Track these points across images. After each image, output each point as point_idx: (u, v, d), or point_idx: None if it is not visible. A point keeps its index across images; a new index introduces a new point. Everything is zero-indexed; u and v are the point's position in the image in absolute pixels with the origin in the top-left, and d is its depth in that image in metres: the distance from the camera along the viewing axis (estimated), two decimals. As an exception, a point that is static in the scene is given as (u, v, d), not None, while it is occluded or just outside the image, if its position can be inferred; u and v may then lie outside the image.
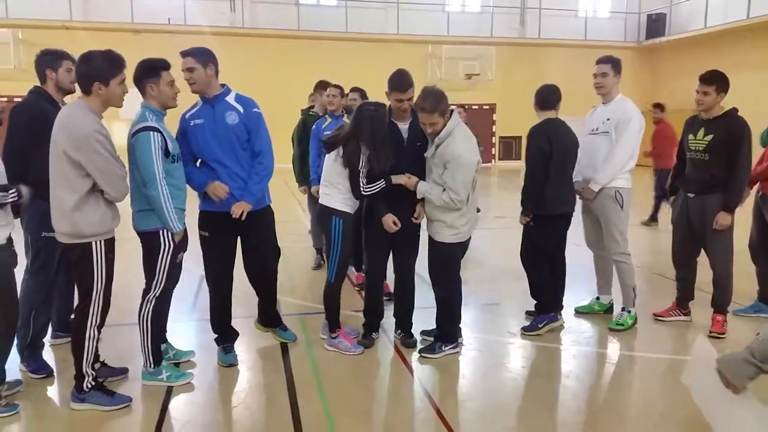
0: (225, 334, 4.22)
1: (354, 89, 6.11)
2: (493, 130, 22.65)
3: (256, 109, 3.94)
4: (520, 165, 19.23)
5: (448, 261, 4.22)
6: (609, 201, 4.76)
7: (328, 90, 6.16)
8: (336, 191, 4.14)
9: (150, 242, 3.60)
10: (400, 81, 4.11)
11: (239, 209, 3.79)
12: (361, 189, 4.06)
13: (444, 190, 3.99)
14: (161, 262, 3.60)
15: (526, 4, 22.01)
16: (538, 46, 21.81)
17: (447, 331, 4.30)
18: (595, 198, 4.79)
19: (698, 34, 19.68)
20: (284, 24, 19.74)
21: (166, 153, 3.53)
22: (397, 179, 4.10)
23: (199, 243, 4.06)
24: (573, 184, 4.72)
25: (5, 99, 16.55)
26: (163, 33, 18.71)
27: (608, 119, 4.77)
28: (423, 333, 4.56)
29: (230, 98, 3.92)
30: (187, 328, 4.88)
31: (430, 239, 4.22)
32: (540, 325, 4.71)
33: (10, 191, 3.23)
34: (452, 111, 4.03)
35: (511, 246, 7.88)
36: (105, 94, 3.29)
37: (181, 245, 3.72)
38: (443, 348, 4.25)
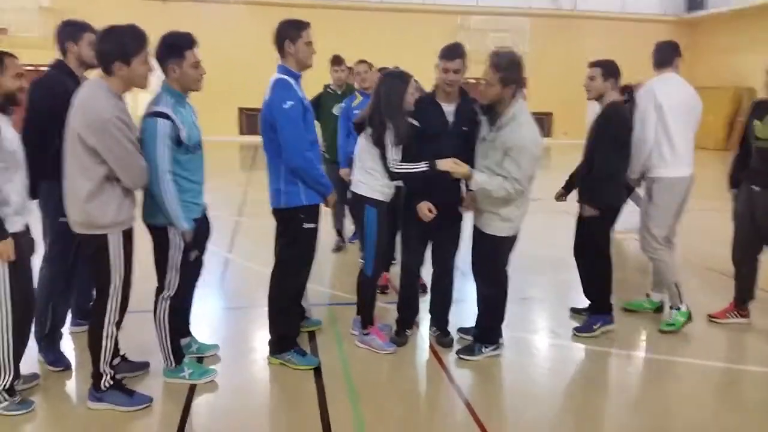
0: (297, 334, 3.97)
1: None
2: (524, 105, 22.03)
3: None
4: (551, 142, 18.66)
5: (497, 255, 3.86)
6: (645, 192, 4.51)
7: (356, 66, 5.88)
8: (370, 177, 3.79)
9: (159, 238, 3.32)
10: (448, 48, 3.78)
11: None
12: (390, 166, 3.68)
13: (505, 179, 3.57)
14: (172, 261, 3.33)
15: (562, -26, 21.16)
16: (573, 18, 20.98)
17: (488, 331, 4.00)
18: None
19: (744, 6, 18.70)
20: (312, -7, 19.24)
21: (179, 142, 3.21)
22: (444, 165, 3.63)
23: (300, 237, 3.69)
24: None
25: (30, 67, 16.43)
26: (191, 1, 18.39)
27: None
28: (460, 330, 4.27)
29: None
30: (211, 317, 4.63)
31: (477, 230, 3.88)
32: (595, 326, 4.37)
33: None
34: (520, 91, 3.62)
35: (546, 232, 7.56)
36: (126, 74, 2.99)
37: (195, 242, 3.40)
38: (483, 350, 3.95)
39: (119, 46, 2.96)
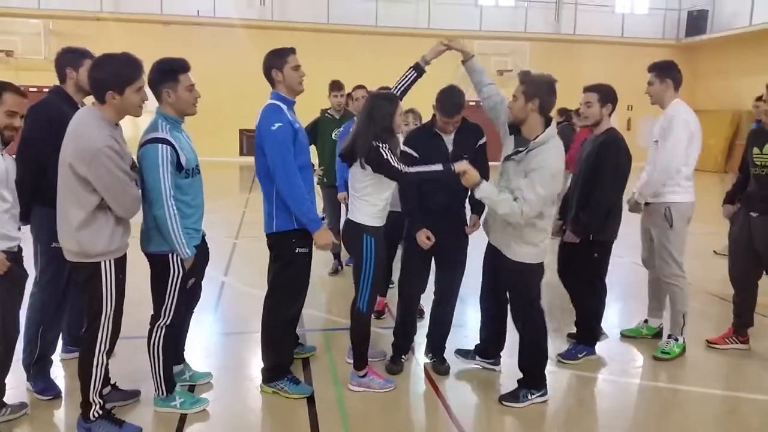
0: (290, 362, 3.89)
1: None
2: (524, 128, 22.11)
3: None
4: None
5: (524, 286, 3.63)
6: (658, 218, 4.37)
7: (354, 92, 5.96)
8: (363, 203, 3.64)
9: (158, 266, 3.28)
10: (448, 103, 3.75)
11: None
12: (399, 169, 3.44)
13: (515, 199, 3.40)
14: (170, 289, 3.28)
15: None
16: (573, 43, 21.18)
17: (533, 375, 3.70)
18: (645, 212, 4.44)
19: (743, 32, 18.86)
20: (314, 17, 19.44)
21: (179, 167, 3.19)
22: (460, 166, 3.41)
23: (293, 262, 3.64)
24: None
25: (35, 89, 16.57)
26: (192, 25, 18.63)
27: (660, 127, 4.40)
28: (458, 353, 4.22)
29: None
30: (206, 343, 4.59)
31: (503, 258, 3.65)
32: (580, 355, 4.32)
33: None
34: (551, 119, 3.52)
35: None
36: (119, 104, 2.96)
37: (193, 270, 3.39)
38: (529, 396, 3.66)
39: (113, 75, 2.94)
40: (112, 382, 3.51)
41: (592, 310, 4.38)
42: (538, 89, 3.45)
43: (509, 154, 3.58)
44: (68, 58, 3.71)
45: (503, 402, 3.69)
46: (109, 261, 3.03)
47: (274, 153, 3.45)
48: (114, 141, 2.92)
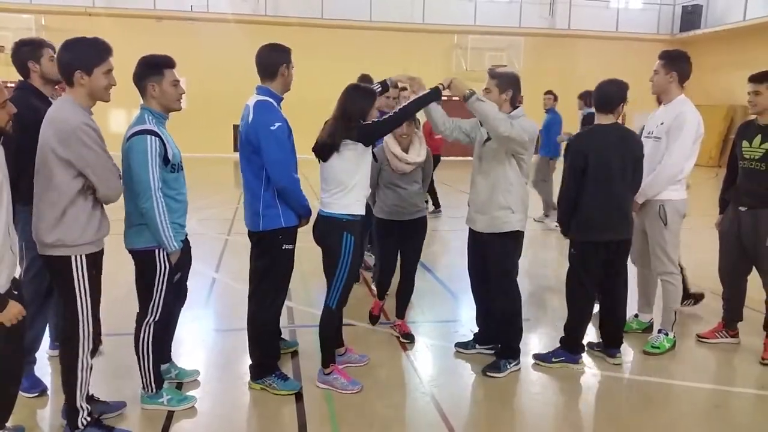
0: (277, 358, 3.90)
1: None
2: (519, 123, 22.09)
3: None
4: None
5: (505, 256, 3.90)
6: (653, 216, 4.32)
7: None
8: (340, 193, 3.53)
9: (143, 262, 3.24)
10: None
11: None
12: (386, 117, 3.54)
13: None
14: (157, 285, 3.25)
15: (556, -6, 21.37)
16: (567, 37, 21.17)
17: (511, 347, 4.05)
18: (641, 210, 4.37)
19: (737, 26, 18.88)
20: (307, 12, 19.37)
21: (165, 161, 3.18)
22: (446, 79, 3.71)
23: (278, 259, 3.63)
24: (626, 204, 4.04)
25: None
26: (185, 20, 18.54)
27: (662, 123, 4.34)
28: (458, 345, 4.37)
29: None
30: (194, 339, 4.57)
31: (484, 236, 3.91)
32: (554, 359, 4.16)
33: None
34: (520, 105, 3.88)
35: (535, 249, 7.60)
36: (88, 85, 2.92)
37: (179, 265, 3.36)
38: (508, 366, 3.99)
39: (81, 56, 2.92)
40: (90, 393, 3.35)
41: (575, 319, 4.22)
42: (509, 83, 3.82)
43: (485, 139, 3.86)
44: (26, 52, 3.62)
45: (487, 373, 3.96)
46: (81, 256, 2.94)
47: (276, 152, 3.45)
48: (91, 121, 2.92)
